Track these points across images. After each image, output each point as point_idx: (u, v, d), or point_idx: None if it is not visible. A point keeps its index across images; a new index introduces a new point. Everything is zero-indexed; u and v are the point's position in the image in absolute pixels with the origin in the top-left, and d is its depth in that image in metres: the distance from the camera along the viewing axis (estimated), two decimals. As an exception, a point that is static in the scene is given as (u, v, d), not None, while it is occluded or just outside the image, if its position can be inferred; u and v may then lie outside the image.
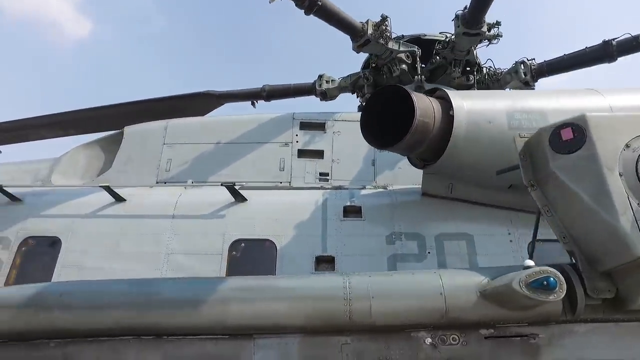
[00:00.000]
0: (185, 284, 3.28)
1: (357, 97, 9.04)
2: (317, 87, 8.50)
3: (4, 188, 6.23)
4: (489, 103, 5.11)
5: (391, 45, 7.35)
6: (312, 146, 7.02)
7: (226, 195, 6.07)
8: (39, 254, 5.93)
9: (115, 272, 5.56)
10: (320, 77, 8.54)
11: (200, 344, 2.78)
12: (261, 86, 8.94)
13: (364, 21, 7.14)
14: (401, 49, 7.44)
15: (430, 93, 5.51)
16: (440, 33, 7.63)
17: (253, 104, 9.13)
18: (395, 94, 5.18)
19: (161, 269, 5.53)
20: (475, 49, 7.38)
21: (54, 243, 5.90)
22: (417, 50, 7.50)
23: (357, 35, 7.13)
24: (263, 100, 9.00)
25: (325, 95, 8.59)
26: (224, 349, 2.80)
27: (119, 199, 6.13)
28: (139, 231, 5.85)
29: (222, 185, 5.88)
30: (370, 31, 7.06)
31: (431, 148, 5.09)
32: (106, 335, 2.80)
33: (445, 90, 5.30)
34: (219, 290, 2.93)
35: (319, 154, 6.95)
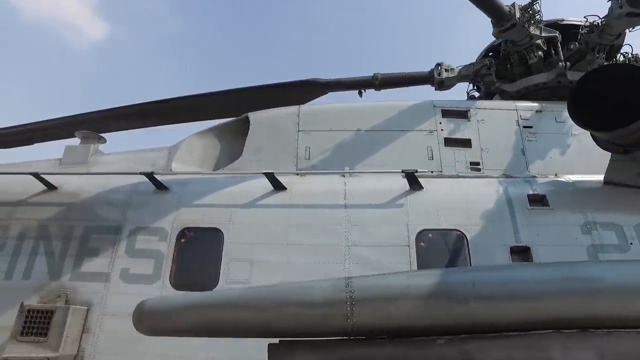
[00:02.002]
0: (626, 267, 2.85)
1: (474, 86, 8.73)
2: (435, 76, 8.14)
3: (155, 176, 5.79)
4: None
5: (532, 30, 7.05)
6: (458, 135, 6.68)
7: (398, 184, 5.72)
8: (199, 245, 5.50)
9: (292, 266, 5.19)
10: (439, 65, 8.18)
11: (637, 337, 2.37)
12: (372, 74, 8.55)
13: (509, 4, 6.85)
14: (543, 34, 7.15)
15: None
16: (584, 17, 7.34)
17: (360, 93, 8.72)
18: (603, 75, 4.88)
19: (344, 262, 5.15)
20: (631, 31, 7.07)
21: (214, 234, 5.48)
22: (558, 35, 7.21)
23: (503, 19, 6.82)
24: (373, 89, 8.60)
25: (442, 84, 8.23)
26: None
27: (279, 187, 5.71)
28: (308, 222, 5.45)
29: (402, 172, 5.52)
30: (518, 15, 6.76)
31: None
32: (520, 329, 2.39)
33: None
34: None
35: (466, 143, 6.61)
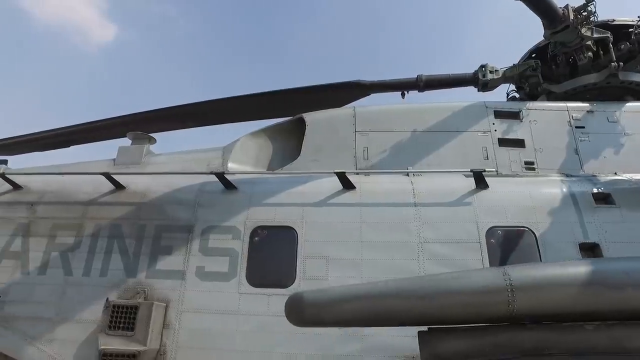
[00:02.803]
0: None
1: (517, 88, 8.85)
2: (480, 77, 8.27)
3: (225, 175, 5.94)
4: None
5: (584, 32, 7.18)
6: (511, 135, 6.83)
7: (463, 182, 5.87)
8: (273, 243, 5.64)
9: (368, 263, 5.33)
10: (483, 67, 8.31)
11: None
12: (415, 76, 8.69)
13: (562, 6, 6.99)
14: (594, 35, 7.27)
15: None
16: (638, 17, 7.42)
17: (403, 94, 8.86)
18: None
19: (418, 258, 5.29)
20: None
21: (287, 232, 5.62)
22: (610, 36, 7.33)
23: (556, 21, 6.95)
24: (416, 91, 8.73)
25: (486, 86, 8.36)
26: None
27: (349, 186, 5.86)
28: (380, 219, 5.59)
29: (471, 171, 5.67)
30: (572, 17, 6.90)
31: None
32: None
33: None
34: None
35: (519, 143, 6.76)
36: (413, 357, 4.86)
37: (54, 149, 10.03)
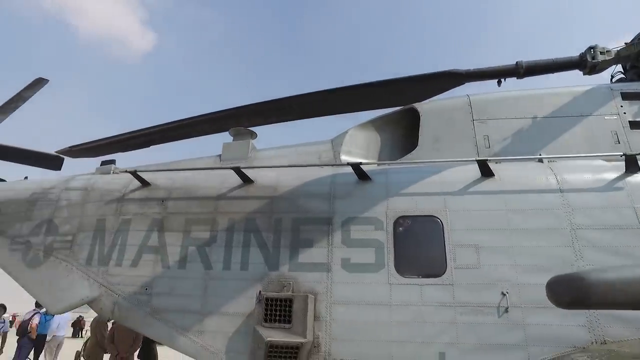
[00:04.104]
0: None
1: (629, 68, 8.49)
2: (588, 60, 7.94)
3: (361, 166, 5.90)
4: None
5: None
6: (644, 117, 6.53)
7: (607, 167, 5.67)
8: (418, 233, 5.55)
9: (520, 250, 5.18)
10: (592, 48, 7.97)
11: None
12: (514, 62, 8.45)
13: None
14: None
15: None
16: None
17: (499, 82, 8.63)
18: None
19: (572, 245, 5.11)
20: None
21: (431, 221, 5.52)
22: None
23: None
24: (515, 78, 8.49)
25: (594, 69, 8.03)
26: None
27: (488, 174, 5.72)
28: (526, 207, 5.42)
29: (622, 155, 5.46)
30: None
31: None
32: None
33: None
34: None
35: None
36: (584, 348, 4.71)
37: (135, 149, 10.30)
